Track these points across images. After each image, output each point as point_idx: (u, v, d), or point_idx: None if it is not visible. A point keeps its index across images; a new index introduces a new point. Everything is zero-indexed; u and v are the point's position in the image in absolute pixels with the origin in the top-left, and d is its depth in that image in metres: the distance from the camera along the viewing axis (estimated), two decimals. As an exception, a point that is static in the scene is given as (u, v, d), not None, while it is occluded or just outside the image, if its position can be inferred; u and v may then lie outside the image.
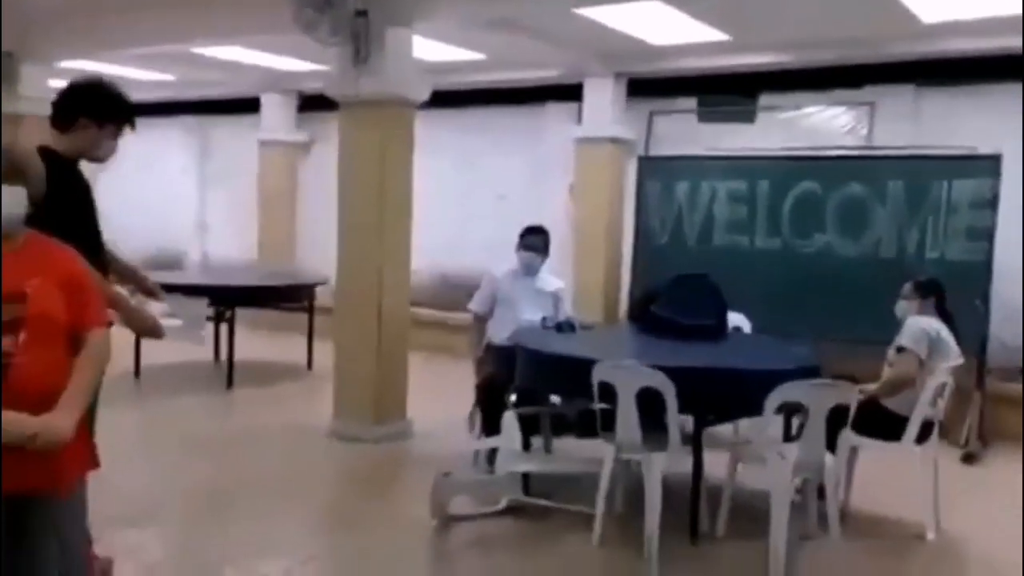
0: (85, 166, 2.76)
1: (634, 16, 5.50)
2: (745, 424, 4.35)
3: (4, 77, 6.47)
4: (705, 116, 7.00)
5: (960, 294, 4.41)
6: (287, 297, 7.05)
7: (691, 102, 7.04)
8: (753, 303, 5.24)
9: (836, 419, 3.45)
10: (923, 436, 3.71)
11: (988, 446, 5.10)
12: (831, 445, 3.52)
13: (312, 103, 8.62)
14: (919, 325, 3.82)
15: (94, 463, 2.03)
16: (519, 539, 3.67)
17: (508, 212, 7.17)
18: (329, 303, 6.78)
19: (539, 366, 3.90)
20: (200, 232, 9.85)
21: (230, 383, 6.22)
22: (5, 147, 1.92)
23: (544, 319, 4.53)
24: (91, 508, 2.10)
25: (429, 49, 5.82)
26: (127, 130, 2.76)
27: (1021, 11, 4.31)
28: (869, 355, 4.29)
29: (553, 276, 5.08)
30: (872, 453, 3.91)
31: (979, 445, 5.04)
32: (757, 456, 3.61)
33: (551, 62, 6.96)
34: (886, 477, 4.03)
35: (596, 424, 3.62)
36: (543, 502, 3.89)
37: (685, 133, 6.94)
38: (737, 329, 4.86)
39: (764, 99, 6.78)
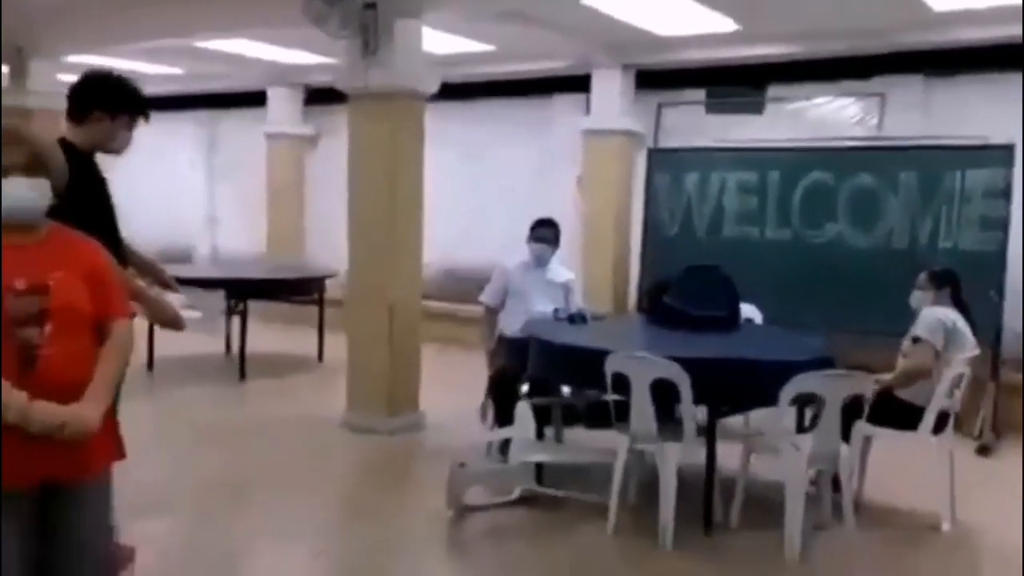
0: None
1: (642, 6, 5.47)
2: (755, 415, 4.35)
3: (13, 71, 6.49)
4: (713, 107, 6.98)
5: (974, 284, 4.39)
6: (298, 290, 7.08)
7: (699, 94, 7.02)
8: (764, 294, 5.23)
9: (850, 410, 3.46)
10: (939, 427, 3.71)
11: (1002, 438, 5.09)
12: (845, 435, 3.52)
13: (319, 96, 8.62)
14: (935, 315, 3.81)
15: (120, 453, 2.04)
16: (533, 529, 3.68)
17: (516, 204, 7.17)
18: (339, 296, 6.81)
19: (552, 357, 3.91)
20: (209, 226, 9.87)
21: (243, 375, 6.25)
22: (30, 140, 1.92)
23: (556, 310, 4.54)
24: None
25: (437, 41, 5.81)
26: (141, 122, 2.78)
27: (1021, 2, 4.28)
28: (881, 346, 4.28)
29: (564, 268, 5.09)
30: (885, 444, 3.90)
31: (993, 437, 5.03)
32: (771, 447, 3.62)
33: (559, 53, 6.94)
34: (899, 468, 4.03)
35: (605, 415, 3.63)
36: (556, 492, 3.90)
37: (693, 125, 6.92)
38: (749, 320, 4.86)
39: (773, 90, 6.75)
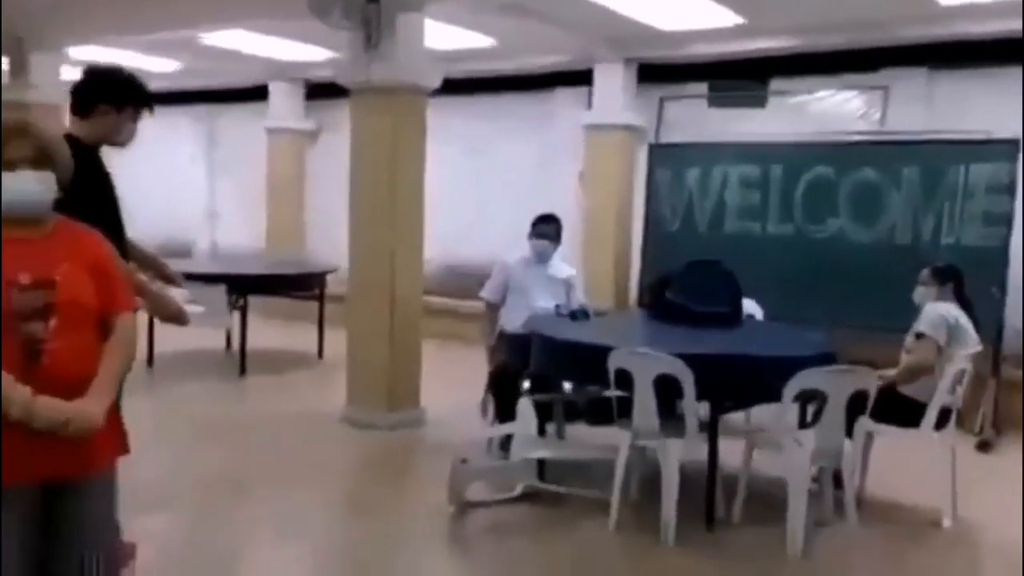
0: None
1: (644, 0, 5.44)
2: (756, 411, 4.35)
3: (13, 63, 6.46)
4: (716, 101, 6.95)
5: (976, 280, 4.38)
6: (299, 285, 7.07)
7: (702, 87, 6.99)
8: (765, 289, 5.22)
9: (853, 406, 3.45)
10: (941, 423, 3.70)
11: (1002, 434, 5.08)
12: (847, 431, 3.51)
13: (319, 91, 8.60)
14: (937, 311, 3.80)
15: (124, 448, 2.03)
16: (535, 525, 3.68)
17: (517, 200, 7.15)
18: (339, 291, 6.79)
19: (554, 353, 3.90)
20: (209, 220, 9.86)
21: (243, 371, 6.24)
22: (36, 133, 1.91)
23: (557, 306, 4.53)
24: (112, 494, 2.10)
25: (438, 37, 5.79)
26: (145, 114, 2.77)
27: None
28: (883, 342, 4.27)
29: (565, 264, 5.08)
30: (887, 440, 3.90)
31: (993, 433, 5.03)
32: (773, 443, 3.61)
33: (560, 47, 6.91)
34: (900, 464, 4.03)
35: (606, 411, 3.62)
36: (558, 488, 3.89)
37: (695, 119, 6.89)
38: (750, 316, 4.85)
39: (775, 84, 6.72)
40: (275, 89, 8.91)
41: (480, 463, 4.05)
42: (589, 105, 7.28)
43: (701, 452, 3.51)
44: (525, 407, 3.89)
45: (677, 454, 3.39)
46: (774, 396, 3.37)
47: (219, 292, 2.94)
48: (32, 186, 1.86)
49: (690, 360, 3.31)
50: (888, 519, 3.79)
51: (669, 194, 6.62)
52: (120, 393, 1.98)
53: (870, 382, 3.41)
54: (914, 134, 5.83)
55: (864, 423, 3.59)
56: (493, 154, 7.85)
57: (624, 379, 3.42)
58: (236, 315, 6.02)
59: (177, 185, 9.78)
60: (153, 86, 2.88)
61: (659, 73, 7.05)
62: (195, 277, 3.21)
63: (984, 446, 4.93)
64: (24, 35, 6.45)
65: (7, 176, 1.84)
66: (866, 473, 3.93)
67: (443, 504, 3.67)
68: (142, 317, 2.40)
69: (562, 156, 7.48)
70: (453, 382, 5.50)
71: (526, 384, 4.22)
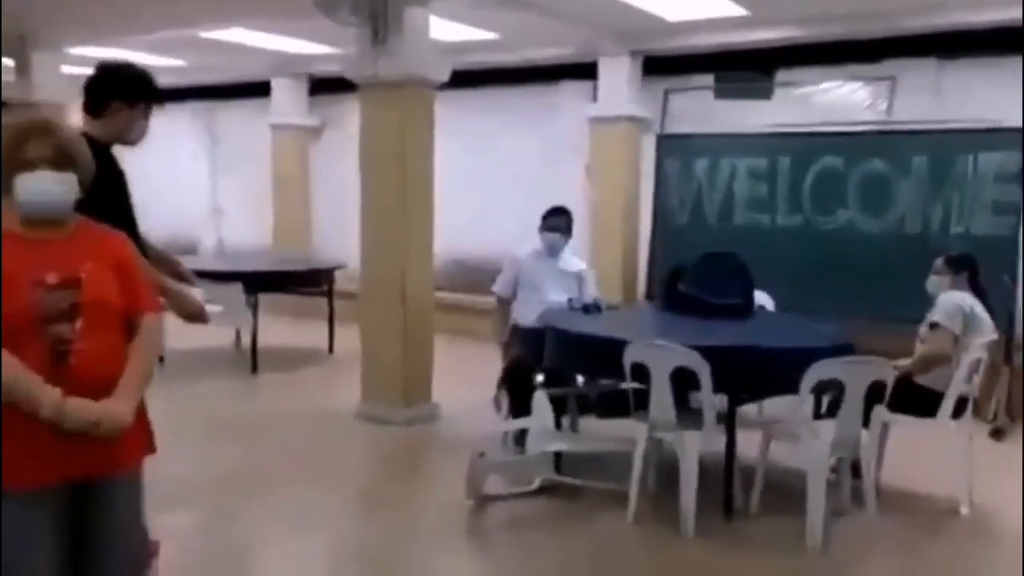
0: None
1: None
2: (769, 402, 4.36)
3: (17, 63, 6.44)
4: (721, 93, 6.93)
5: (986, 269, 4.36)
6: (308, 282, 7.06)
7: (707, 79, 6.96)
8: (775, 281, 5.22)
9: (869, 396, 3.45)
10: (957, 412, 3.70)
11: (1015, 421, 5.09)
12: (864, 422, 3.52)
13: (323, 86, 8.58)
14: (953, 301, 3.80)
15: (151, 447, 2.04)
16: (554, 518, 3.68)
17: (523, 193, 7.14)
18: (347, 287, 6.79)
19: (568, 347, 3.91)
20: (215, 218, 9.84)
21: (254, 368, 6.24)
22: (57, 133, 1.90)
23: (570, 300, 4.53)
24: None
25: (443, 30, 5.77)
26: (155, 110, 2.76)
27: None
28: (892, 332, 4.27)
29: (576, 258, 5.08)
30: (902, 429, 3.90)
31: (1007, 420, 5.04)
32: (790, 434, 3.62)
33: (565, 40, 6.89)
34: (914, 453, 4.04)
35: (618, 404, 3.63)
36: (575, 481, 3.90)
37: (701, 111, 6.88)
38: (761, 307, 4.85)
39: (781, 75, 6.70)
40: (278, 85, 8.88)
41: (497, 457, 4.06)
42: (594, 98, 7.26)
43: (717, 444, 3.52)
44: (540, 400, 3.89)
45: (695, 446, 3.40)
46: (790, 387, 3.37)
47: (236, 290, 2.94)
48: (52, 186, 1.85)
49: (706, 352, 3.31)
50: (905, 508, 3.80)
51: (678, 186, 6.61)
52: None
53: (887, 372, 3.41)
54: (922, 124, 5.82)
55: (880, 413, 3.59)
56: (498, 148, 7.84)
57: (640, 372, 3.42)
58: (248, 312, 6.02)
59: (181, 183, 9.76)
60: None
61: (664, 65, 7.02)
62: (204, 275, 3.21)
63: (998, 434, 4.94)
64: (27, 33, 6.42)
65: (28, 176, 1.83)
66: (882, 463, 3.93)
67: (460, 498, 3.68)
68: (170, 319, 2.40)
69: (567, 149, 7.46)
70: (464, 377, 5.51)
71: (539, 378, 4.23)
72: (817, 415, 3.85)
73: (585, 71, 7.26)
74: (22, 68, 6.81)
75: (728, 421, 3.50)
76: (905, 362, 3.78)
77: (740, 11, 5.79)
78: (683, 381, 3.36)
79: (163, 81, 2.79)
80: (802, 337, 3.99)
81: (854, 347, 3.65)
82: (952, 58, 5.99)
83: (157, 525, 3.08)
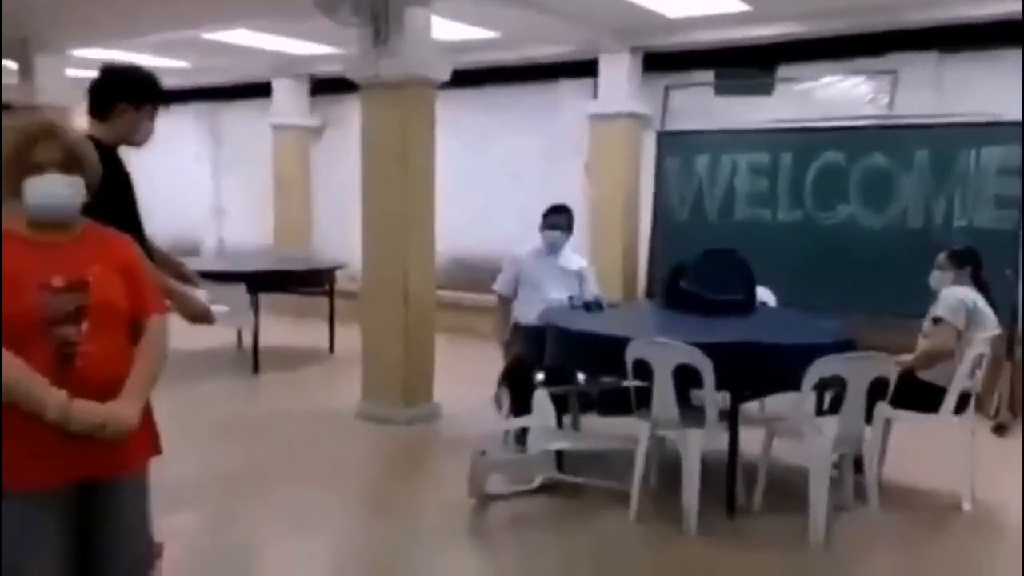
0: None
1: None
2: (769, 400, 4.35)
3: (20, 66, 6.45)
4: (722, 89, 6.92)
5: (989, 263, 4.36)
6: (309, 282, 7.07)
7: (708, 75, 6.96)
8: (777, 277, 5.22)
9: (871, 392, 3.45)
10: (960, 407, 3.70)
11: (1018, 416, 5.08)
12: (867, 418, 3.51)
13: (323, 87, 8.58)
14: (956, 296, 3.79)
15: (157, 449, 2.04)
16: (556, 517, 3.69)
17: (523, 191, 7.14)
18: (348, 287, 6.80)
19: (570, 345, 3.90)
20: (216, 218, 9.86)
21: (256, 368, 6.26)
22: (64, 136, 1.90)
23: (571, 298, 4.53)
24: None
25: (443, 28, 5.77)
26: (160, 111, 2.75)
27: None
28: (894, 327, 4.26)
29: (577, 255, 5.07)
30: (904, 425, 3.90)
31: (1009, 416, 5.03)
32: (793, 431, 3.61)
33: (565, 38, 6.88)
34: (916, 449, 4.03)
35: (618, 401, 3.63)
36: (577, 479, 3.90)
37: (701, 107, 6.87)
38: (763, 303, 4.84)
39: (782, 70, 6.68)
40: (279, 86, 8.89)
41: (500, 456, 4.06)
42: (594, 95, 7.25)
43: (719, 441, 3.51)
44: (542, 399, 3.89)
45: (698, 444, 3.39)
46: (793, 384, 3.37)
47: (239, 291, 2.94)
48: (61, 190, 1.86)
49: (708, 349, 3.31)
50: (908, 504, 3.79)
51: (678, 183, 6.60)
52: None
53: (890, 368, 3.40)
54: (923, 118, 5.81)
55: (883, 409, 3.58)
56: (498, 146, 7.83)
57: (642, 369, 3.42)
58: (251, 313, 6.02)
59: (183, 183, 9.78)
60: (158, 84, 2.85)
61: (664, 62, 7.01)
62: (206, 275, 3.21)
63: (1000, 429, 4.93)
64: (29, 37, 6.43)
65: (37, 180, 1.84)
66: (884, 459, 3.93)
67: (462, 497, 3.69)
68: (178, 322, 2.41)
69: (567, 147, 7.45)
70: (464, 376, 5.51)
71: (540, 376, 4.23)
72: (819, 411, 3.84)
73: (585, 68, 7.25)
74: (25, 71, 6.82)
75: (731, 418, 3.50)
76: (908, 357, 3.77)
77: (740, 7, 5.78)
78: (685, 378, 3.36)
79: (167, 82, 2.79)
80: (805, 333, 3.98)
81: (856, 343, 3.64)
82: (953, 52, 5.97)
83: (162, 526, 3.09)
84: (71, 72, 6.89)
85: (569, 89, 7.57)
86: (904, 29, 5.95)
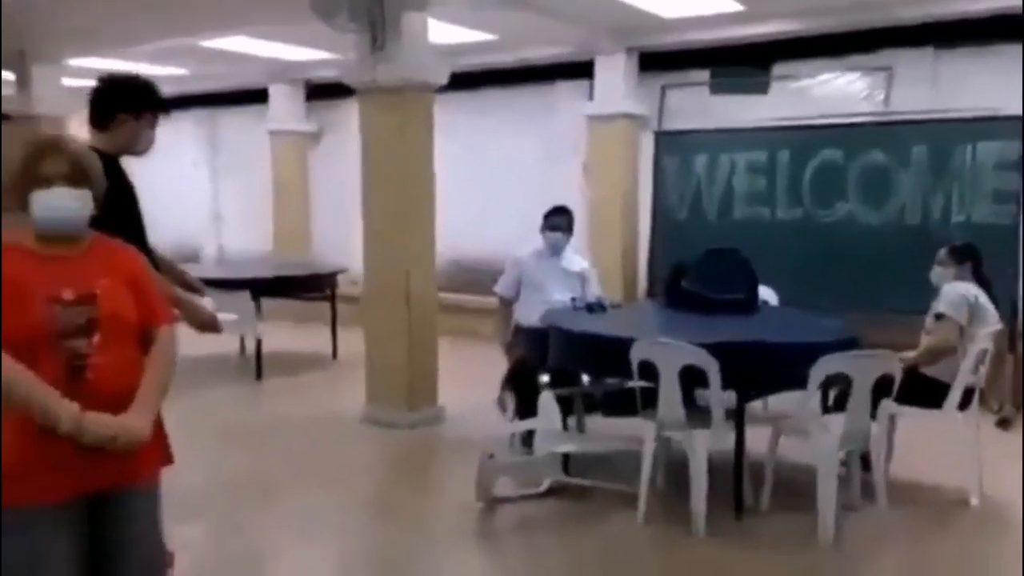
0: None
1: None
2: (774, 398, 4.36)
3: (17, 76, 6.44)
4: (718, 88, 6.94)
5: (988, 258, 4.37)
6: (310, 287, 7.06)
7: (704, 75, 6.97)
8: (776, 275, 5.21)
9: (876, 389, 3.45)
10: (964, 403, 3.71)
11: (1021, 411, 5.09)
12: (872, 415, 3.52)
13: (319, 92, 8.58)
14: (957, 291, 3.80)
15: (168, 458, 2.05)
16: (563, 520, 3.69)
17: (521, 193, 7.14)
18: (349, 291, 6.80)
19: (573, 346, 3.91)
20: (216, 225, 9.85)
21: (259, 374, 6.25)
22: (70, 149, 1.90)
23: (573, 299, 4.53)
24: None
25: (439, 31, 5.77)
26: (160, 119, 2.75)
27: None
28: (895, 324, 4.27)
29: (578, 256, 5.08)
30: (908, 421, 3.91)
31: (1013, 410, 5.04)
32: (799, 430, 3.62)
33: (561, 39, 6.89)
34: (921, 445, 4.04)
35: (622, 402, 3.63)
36: (584, 482, 3.90)
37: (698, 106, 6.88)
38: (764, 302, 4.85)
39: (777, 68, 6.70)
40: (275, 91, 8.89)
41: (507, 459, 4.06)
42: (591, 96, 7.26)
43: (726, 441, 3.52)
44: (547, 401, 3.89)
45: (705, 444, 3.40)
46: (798, 382, 3.37)
47: (244, 298, 2.94)
48: (69, 203, 1.87)
49: (713, 349, 3.32)
50: (915, 500, 3.80)
51: (677, 182, 6.61)
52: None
53: (895, 366, 3.41)
54: (920, 114, 5.83)
55: (887, 406, 3.59)
56: (495, 148, 7.84)
57: (647, 370, 3.42)
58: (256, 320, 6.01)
59: (182, 191, 9.76)
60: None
61: (660, 61, 7.02)
62: (208, 283, 3.21)
63: (1004, 423, 4.94)
64: (26, 48, 6.42)
65: (44, 193, 1.85)
66: (890, 456, 3.93)
67: (468, 501, 3.69)
68: (181, 329, 2.41)
69: (565, 149, 7.46)
70: (468, 379, 5.51)
71: (544, 378, 4.23)
72: (824, 409, 3.85)
73: (581, 70, 7.26)
74: (23, 81, 6.81)
75: (737, 418, 3.50)
76: (911, 354, 3.79)
77: (735, 6, 5.80)
78: (690, 378, 3.36)
79: (165, 90, 2.79)
80: (808, 332, 3.99)
81: (859, 341, 3.64)
82: (949, 47, 5.99)
83: (172, 534, 3.09)
84: (68, 81, 6.89)
85: (566, 90, 7.58)
86: (899, 25, 5.97)
